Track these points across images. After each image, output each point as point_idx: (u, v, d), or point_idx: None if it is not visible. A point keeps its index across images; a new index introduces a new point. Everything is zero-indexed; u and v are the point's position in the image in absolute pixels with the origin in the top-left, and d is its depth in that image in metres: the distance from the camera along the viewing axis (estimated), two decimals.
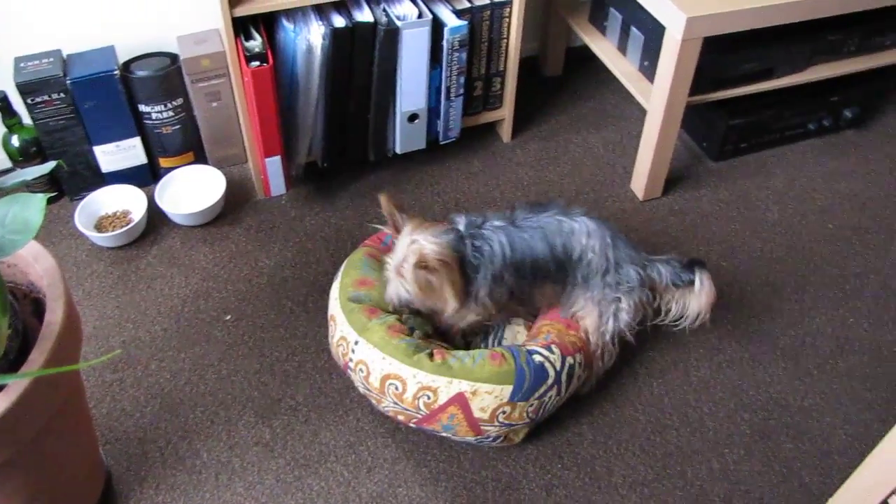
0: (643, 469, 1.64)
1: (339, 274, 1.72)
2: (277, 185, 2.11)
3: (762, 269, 2.05)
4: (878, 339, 1.91)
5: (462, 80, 2.09)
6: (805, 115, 2.37)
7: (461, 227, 1.58)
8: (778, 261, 2.08)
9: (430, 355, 1.52)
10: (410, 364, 1.50)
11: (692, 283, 1.68)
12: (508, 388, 1.50)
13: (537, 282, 1.63)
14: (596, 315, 1.64)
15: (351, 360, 1.58)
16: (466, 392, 1.49)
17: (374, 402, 1.60)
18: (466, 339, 1.74)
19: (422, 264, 1.48)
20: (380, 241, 1.80)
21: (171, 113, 2.06)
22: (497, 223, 1.58)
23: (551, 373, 1.53)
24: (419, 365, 1.50)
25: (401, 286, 1.55)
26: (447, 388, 1.49)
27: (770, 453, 1.68)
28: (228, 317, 1.87)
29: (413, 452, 1.64)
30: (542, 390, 1.52)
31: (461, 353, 1.54)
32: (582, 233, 1.59)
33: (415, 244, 1.51)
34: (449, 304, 1.56)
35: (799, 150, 2.43)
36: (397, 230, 1.58)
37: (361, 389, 1.61)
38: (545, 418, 1.63)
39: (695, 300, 1.68)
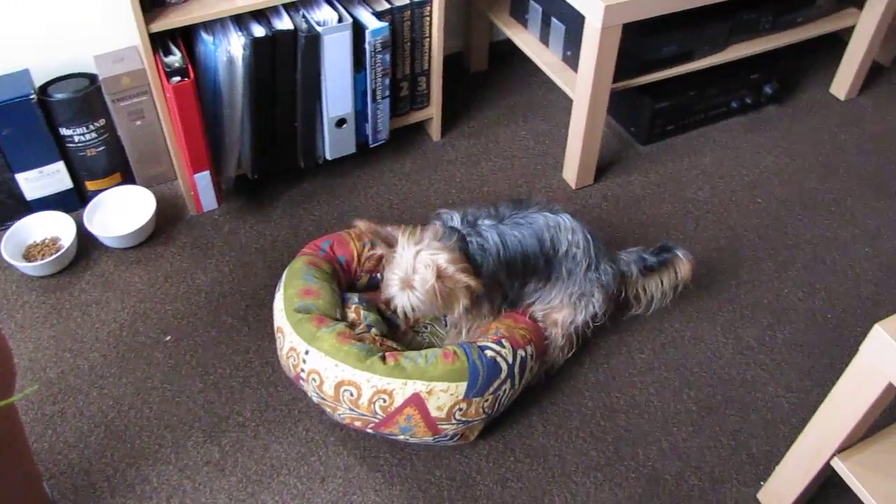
0: (595, 454, 1.65)
1: (281, 285, 1.70)
2: (208, 201, 2.08)
3: (697, 247, 2.09)
4: (812, 307, 1.95)
5: (387, 81, 2.09)
6: (727, 94, 2.42)
7: (457, 225, 1.58)
8: (711, 238, 2.11)
9: (383, 358, 1.52)
10: (363, 369, 1.50)
11: (665, 265, 1.75)
12: (463, 385, 1.51)
13: (526, 279, 1.65)
14: (570, 309, 1.67)
15: (303, 370, 1.56)
16: (422, 392, 1.49)
17: (328, 410, 1.58)
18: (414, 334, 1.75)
19: (442, 276, 1.48)
20: (317, 247, 1.78)
21: (94, 135, 2.02)
22: (488, 221, 1.60)
23: (504, 367, 1.54)
24: (372, 369, 1.49)
25: (409, 298, 1.52)
26: (402, 389, 1.49)
27: (717, 427, 1.71)
28: (168, 338, 1.84)
29: (366, 458, 1.63)
30: (496, 385, 1.53)
31: (413, 353, 1.55)
32: (567, 228, 1.62)
33: (422, 254, 1.49)
34: (457, 311, 1.56)
35: (724, 128, 2.47)
36: (390, 245, 1.56)
37: (315, 399, 1.59)
38: (500, 413, 1.63)
39: (667, 282, 1.77)
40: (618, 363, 1.82)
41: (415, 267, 1.50)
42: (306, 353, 1.55)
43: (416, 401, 1.50)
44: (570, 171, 2.23)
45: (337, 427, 1.67)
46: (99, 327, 1.85)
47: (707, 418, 1.73)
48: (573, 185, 2.24)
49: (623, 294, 1.77)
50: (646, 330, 1.89)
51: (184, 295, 1.93)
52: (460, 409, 1.52)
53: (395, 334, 1.76)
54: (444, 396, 1.50)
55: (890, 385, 1.19)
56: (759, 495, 1.59)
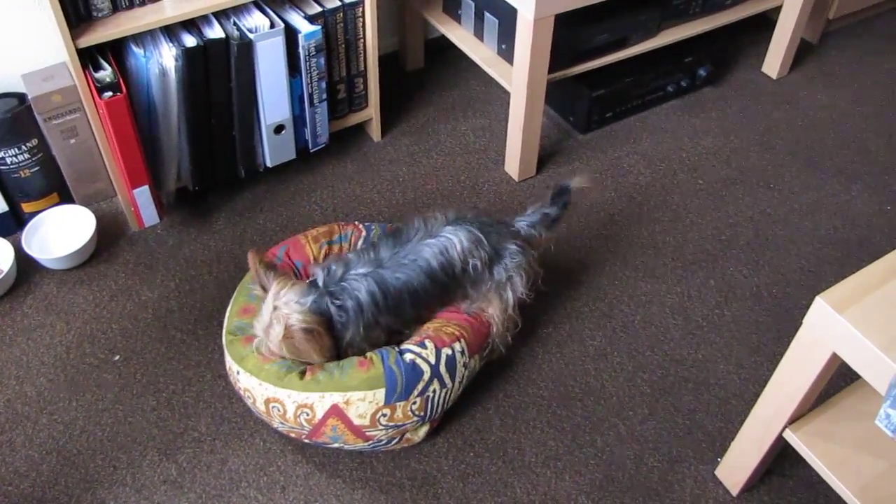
0: (553, 444, 1.66)
1: (231, 301, 1.72)
2: (149, 216, 2.05)
3: (642, 231, 2.11)
4: (757, 283, 1.99)
5: (323, 84, 2.07)
6: (663, 79, 2.45)
7: (319, 282, 1.53)
8: (655, 222, 2.14)
9: (302, 374, 1.53)
10: (282, 386, 1.52)
11: (567, 203, 1.74)
12: (381, 392, 1.51)
13: (422, 311, 1.63)
14: (497, 300, 1.65)
15: (240, 388, 1.60)
16: (339, 403, 1.50)
17: (268, 423, 1.61)
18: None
19: (287, 336, 1.48)
20: (274, 256, 1.77)
21: (26, 155, 1.98)
22: (361, 270, 1.54)
23: (425, 368, 1.54)
24: (290, 385, 1.52)
25: (267, 346, 1.54)
26: (321, 402, 1.50)
27: (672, 408, 1.73)
28: (117, 357, 1.81)
29: (325, 465, 1.62)
30: (420, 387, 1.53)
31: (331, 365, 1.55)
32: (454, 244, 1.56)
33: (277, 310, 1.49)
34: (316, 362, 1.56)
35: (662, 112, 2.51)
36: (264, 290, 1.54)
37: (255, 413, 1.64)
38: (446, 410, 1.64)
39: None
40: (570, 351, 1.83)
41: (270, 321, 1.50)
42: (238, 372, 1.58)
43: (336, 412, 1.51)
44: (512, 164, 2.24)
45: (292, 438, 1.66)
46: (45, 351, 1.82)
47: (662, 400, 1.75)
48: (516, 178, 2.25)
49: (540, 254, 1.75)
50: (596, 317, 1.91)
51: (130, 313, 1.90)
52: (384, 415, 1.52)
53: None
54: (362, 405, 1.51)
55: (834, 355, 1.22)
56: (717, 472, 1.62)
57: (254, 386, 1.54)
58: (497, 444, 1.66)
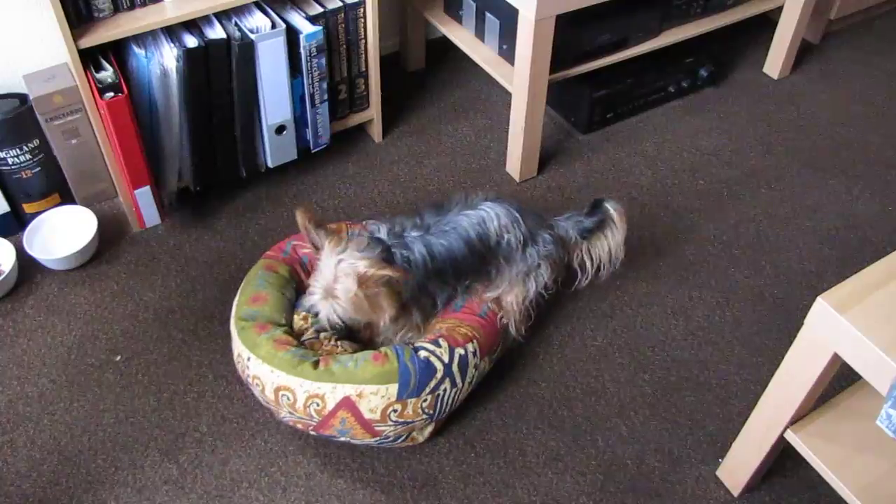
0: (555, 444, 1.66)
1: (239, 291, 1.71)
2: (151, 216, 2.05)
3: (643, 232, 2.11)
4: (758, 284, 1.99)
5: (325, 85, 2.07)
6: (664, 79, 2.45)
7: (383, 236, 1.57)
8: (657, 223, 2.14)
9: (315, 364, 1.53)
10: (295, 374, 1.51)
11: (602, 223, 1.74)
12: (394, 387, 1.51)
13: (462, 281, 1.65)
14: (520, 287, 1.67)
15: (248, 375, 1.58)
16: (352, 395, 1.50)
17: (275, 413, 1.60)
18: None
19: (364, 285, 1.47)
20: (280, 250, 1.78)
21: (28, 156, 1.98)
22: (414, 233, 1.58)
23: (439, 366, 1.54)
24: (303, 374, 1.51)
25: (333, 308, 1.53)
26: (333, 393, 1.50)
27: (674, 409, 1.73)
28: (118, 357, 1.81)
29: (326, 465, 1.62)
30: (432, 385, 1.53)
31: (345, 357, 1.55)
32: (491, 218, 1.61)
33: (343, 263, 1.48)
34: (384, 318, 1.56)
35: (663, 113, 2.50)
36: (316, 248, 1.55)
37: (262, 402, 1.62)
38: (453, 410, 1.64)
39: (609, 239, 1.77)
40: (572, 352, 1.83)
41: (336, 276, 1.50)
42: (248, 359, 1.57)
43: (348, 404, 1.51)
44: (514, 165, 2.24)
45: (296, 436, 1.66)
46: (46, 352, 1.82)
47: (663, 400, 1.75)
48: (517, 178, 2.25)
49: (568, 259, 1.77)
50: (597, 317, 1.91)
51: (132, 313, 1.90)
52: (395, 411, 1.52)
53: (355, 336, 1.76)
54: (374, 399, 1.50)
55: (835, 355, 1.22)
56: (719, 472, 1.62)
57: (265, 373, 1.53)
58: (498, 444, 1.66)
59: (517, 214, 1.64)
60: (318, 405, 1.51)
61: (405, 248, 1.56)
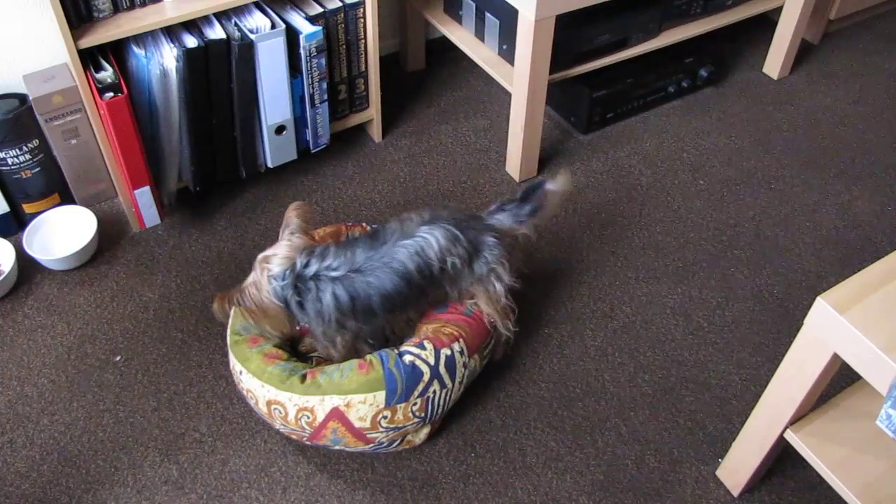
0: (555, 444, 1.66)
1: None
2: (150, 217, 2.05)
3: (643, 232, 2.11)
4: (758, 284, 1.99)
5: (324, 85, 2.07)
6: (664, 79, 2.45)
7: (297, 267, 1.52)
8: (657, 222, 2.14)
9: (303, 377, 1.54)
10: (284, 389, 1.52)
11: (542, 200, 1.67)
12: (382, 394, 1.50)
13: (398, 314, 1.61)
14: (483, 293, 1.63)
15: (243, 388, 1.60)
16: (340, 406, 1.50)
17: (269, 424, 1.62)
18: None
19: (234, 300, 1.50)
20: None
21: (27, 156, 1.98)
22: (333, 274, 1.51)
23: (425, 369, 1.53)
24: (291, 388, 1.52)
25: (254, 277, 1.55)
26: (321, 405, 1.51)
27: (673, 409, 1.73)
28: (118, 358, 1.81)
29: (325, 465, 1.62)
30: (420, 388, 1.53)
31: (331, 367, 1.55)
32: (430, 245, 1.53)
33: (264, 269, 1.52)
34: (269, 334, 1.59)
35: (663, 113, 2.50)
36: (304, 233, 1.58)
37: (257, 414, 1.65)
38: (447, 411, 1.64)
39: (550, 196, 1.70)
40: (571, 352, 1.83)
41: (269, 256, 1.53)
42: (241, 373, 1.59)
43: (337, 414, 1.51)
44: (513, 165, 2.24)
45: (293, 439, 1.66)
46: (46, 352, 1.82)
47: (663, 400, 1.75)
48: (517, 178, 2.25)
49: (521, 248, 1.73)
50: (597, 317, 1.90)
51: (131, 313, 1.90)
52: (385, 417, 1.52)
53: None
54: (363, 408, 1.51)
55: (835, 355, 1.22)
56: (718, 472, 1.62)
57: (256, 388, 1.55)
58: (498, 444, 1.66)
59: (456, 231, 1.55)
60: (308, 418, 1.52)
61: (306, 292, 1.51)
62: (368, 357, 1.55)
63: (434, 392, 1.55)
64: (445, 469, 1.62)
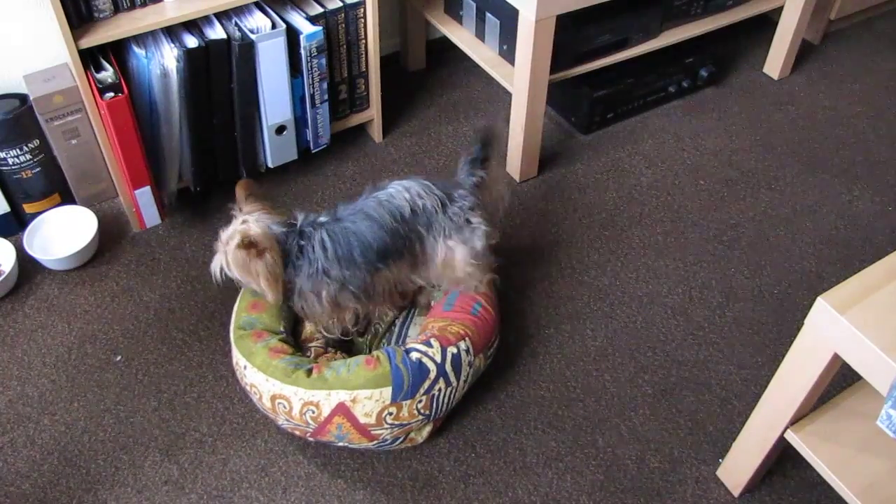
0: (555, 445, 1.66)
1: (238, 297, 1.72)
2: (151, 217, 2.05)
3: (643, 232, 2.11)
4: (758, 284, 1.99)
5: (325, 85, 2.07)
6: (664, 80, 2.45)
7: (298, 222, 1.58)
8: (657, 222, 2.14)
9: (309, 371, 1.54)
10: (289, 383, 1.53)
11: (489, 143, 1.73)
12: (388, 390, 1.51)
13: (379, 266, 1.61)
14: (461, 245, 1.63)
15: (246, 383, 1.60)
16: (346, 401, 1.51)
17: (273, 419, 1.61)
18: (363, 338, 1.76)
19: (244, 242, 1.49)
20: None
21: (28, 156, 1.98)
22: (321, 219, 1.59)
23: (431, 367, 1.54)
24: (297, 382, 1.52)
25: (222, 260, 1.55)
26: (327, 400, 1.51)
27: (674, 409, 1.73)
28: (119, 358, 1.81)
29: (326, 465, 1.62)
30: (426, 385, 1.53)
31: (338, 363, 1.55)
32: (400, 192, 1.60)
33: (244, 224, 1.52)
34: (266, 293, 1.56)
35: (663, 113, 2.50)
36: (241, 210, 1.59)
37: (260, 410, 1.63)
38: (451, 409, 1.64)
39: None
40: (572, 352, 1.83)
41: (233, 233, 1.52)
42: (245, 367, 1.58)
43: (343, 410, 1.51)
44: (514, 165, 2.24)
45: (296, 436, 1.66)
46: (46, 352, 1.82)
47: (663, 400, 1.75)
48: (517, 178, 2.25)
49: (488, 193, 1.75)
50: (598, 317, 1.90)
51: (132, 313, 1.90)
52: (390, 413, 1.52)
53: (351, 344, 1.78)
54: (369, 403, 1.51)
55: (835, 355, 1.22)
56: (719, 472, 1.62)
57: (261, 382, 1.55)
58: (498, 444, 1.66)
59: (426, 182, 1.62)
60: (313, 412, 1.52)
61: (305, 237, 1.56)
62: (375, 353, 1.56)
63: (439, 390, 1.55)
64: (446, 469, 1.62)
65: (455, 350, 1.57)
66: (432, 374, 1.54)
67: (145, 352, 1.82)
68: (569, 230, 2.11)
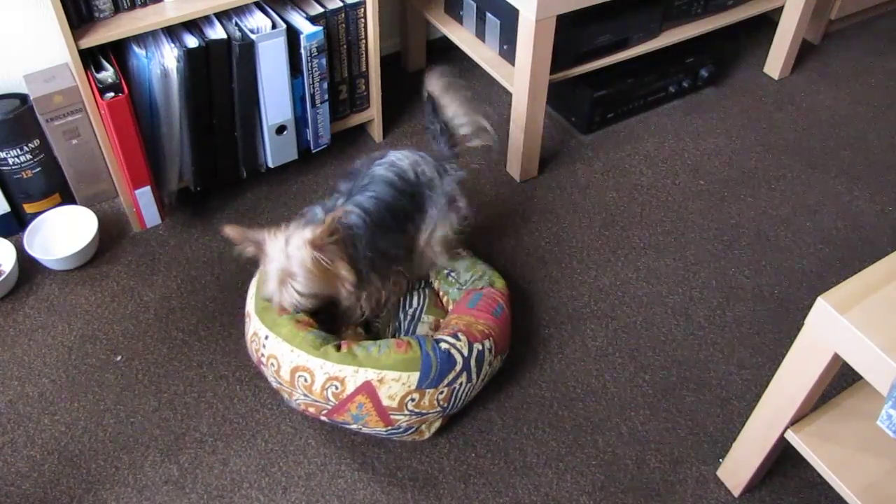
0: (555, 445, 1.66)
1: (258, 271, 1.70)
2: (151, 216, 2.05)
3: (643, 232, 2.11)
4: (758, 284, 1.99)
5: (325, 85, 2.07)
6: (665, 79, 2.45)
7: (319, 212, 1.58)
8: (657, 223, 2.14)
9: (338, 347, 1.53)
10: (317, 355, 1.51)
11: (432, 112, 1.83)
12: (415, 375, 1.51)
13: (401, 228, 1.66)
14: (442, 224, 1.71)
15: (263, 355, 1.59)
16: (373, 380, 1.50)
17: (286, 396, 1.60)
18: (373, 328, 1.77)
19: (316, 244, 1.47)
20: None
21: (28, 156, 1.98)
22: (340, 201, 1.61)
23: (458, 359, 1.55)
24: (325, 356, 1.51)
25: (292, 290, 1.53)
26: (354, 377, 1.50)
27: (674, 409, 1.73)
28: (119, 358, 1.81)
29: (326, 465, 1.62)
30: (451, 377, 1.54)
31: (368, 342, 1.55)
32: (401, 158, 1.68)
33: (291, 240, 1.50)
34: (346, 282, 1.55)
35: (664, 113, 2.50)
36: (260, 245, 1.54)
37: (274, 384, 1.62)
38: (460, 408, 1.64)
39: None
40: (572, 352, 1.83)
41: (288, 255, 1.50)
42: (266, 338, 1.57)
43: (368, 389, 1.51)
44: (514, 165, 2.24)
45: (296, 436, 1.66)
46: (46, 352, 1.82)
47: (663, 400, 1.75)
48: (518, 178, 2.25)
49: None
50: (598, 317, 1.90)
51: (132, 313, 1.90)
52: (413, 399, 1.52)
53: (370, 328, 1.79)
54: (395, 385, 1.51)
55: (835, 355, 1.22)
56: (719, 472, 1.62)
57: (283, 353, 1.54)
58: (499, 444, 1.66)
59: (420, 153, 1.71)
60: (336, 388, 1.51)
61: (343, 216, 1.57)
62: (406, 338, 1.56)
63: (461, 384, 1.56)
64: (446, 468, 1.62)
65: (481, 347, 1.59)
66: (458, 367, 1.55)
67: (145, 352, 1.82)
68: (569, 230, 2.11)
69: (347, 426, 1.60)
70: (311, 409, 1.57)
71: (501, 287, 1.78)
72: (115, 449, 1.65)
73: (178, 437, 1.66)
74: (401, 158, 1.67)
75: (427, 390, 1.53)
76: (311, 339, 1.53)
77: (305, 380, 1.52)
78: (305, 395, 1.54)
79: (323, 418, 1.59)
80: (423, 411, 1.55)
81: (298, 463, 1.62)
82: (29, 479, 1.60)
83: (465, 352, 1.56)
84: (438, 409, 1.56)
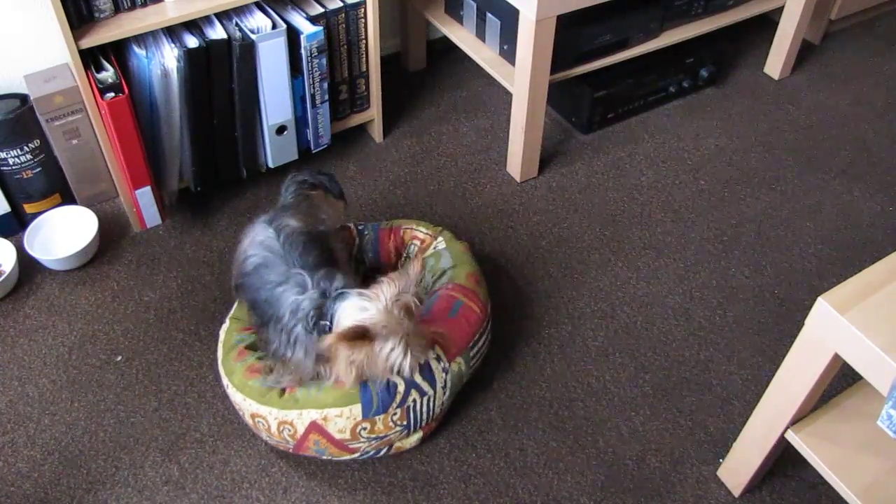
0: (555, 445, 1.66)
1: (231, 310, 1.74)
2: (151, 217, 2.05)
3: (644, 232, 2.11)
4: (759, 284, 1.99)
5: (325, 85, 2.07)
6: (665, 79, 2.45)
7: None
8: (657, 223, 2.14)
9: (282, 392, 1.54)
10: (263, 403, 1.54)
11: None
12: (357, 407, 1.50)
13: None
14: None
15: (232, 401, 1.63)
16: (318, 419, 1.51)
17: (258, 435, 1.64)
18: None
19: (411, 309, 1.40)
20: None
21: (28, 156, 1.98)
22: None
23: (399, 380, 1.51)
24: (271, 403, 1.53)
25: (416, 356, 1.44)
26: (300, 419, 1.52)
27: (674, 409, 1.73)
28: (119, 358, 1.81)
29: (326, 466, 1.62)
30: (398, 399, 1.51)
31: (310, 384, 1.53)
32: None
33: (396, 303, 1.38)
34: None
35: (664, 113, 2.50)
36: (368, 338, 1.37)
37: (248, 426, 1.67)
38: (440, 415, 1.63)
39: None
40: (573, 352, 1.83)
41: (398, 319, 1.38)
42: (227, 385, 1.61)
43: (316, 427, 1.52)
44: (514, 165, 2.24)
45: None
46: (47, 352, 1.82)
47: (663, 400, 1.75)
48: (518, 179, 2.25)
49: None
50: (598, 317, 1.90)
51: (132, 314, 1.90)
52: (365, 429, 1.52)
53: None
54: (340, 420, 1.51)
55: (836, 355, 1.22)
56: (719, 472, 1.62)
57: (240, 401, 1.57)
58: (499, 444, 1.66)
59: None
60: (290, 430, 1.53)
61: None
62: None
63: (414, 401, 1.54)
64: (446, 469, 1.62)
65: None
66: (401, 388, 1.51)
67: (146, 352, 1.82)
68: (569, 230, 2.11)
69: (316, 458, 1.62)
70: (280, 447, 1.60)
71: (464, 278, 1.71)
72: (116, 449, 1.65)
73: (179, 437, 1.67)
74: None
75: (377, 417, 1.51)
76: (257, 388, 1.55)
77: (263, 424, 1.55)
78: (269, 437, 1.57)
79: (293, 453, 1.62)
80: (382, 435, 1.54)
81: (299, 463, 1.62)
82: (29, 479, 1.60)
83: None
84: (399, 428, 1.55)
